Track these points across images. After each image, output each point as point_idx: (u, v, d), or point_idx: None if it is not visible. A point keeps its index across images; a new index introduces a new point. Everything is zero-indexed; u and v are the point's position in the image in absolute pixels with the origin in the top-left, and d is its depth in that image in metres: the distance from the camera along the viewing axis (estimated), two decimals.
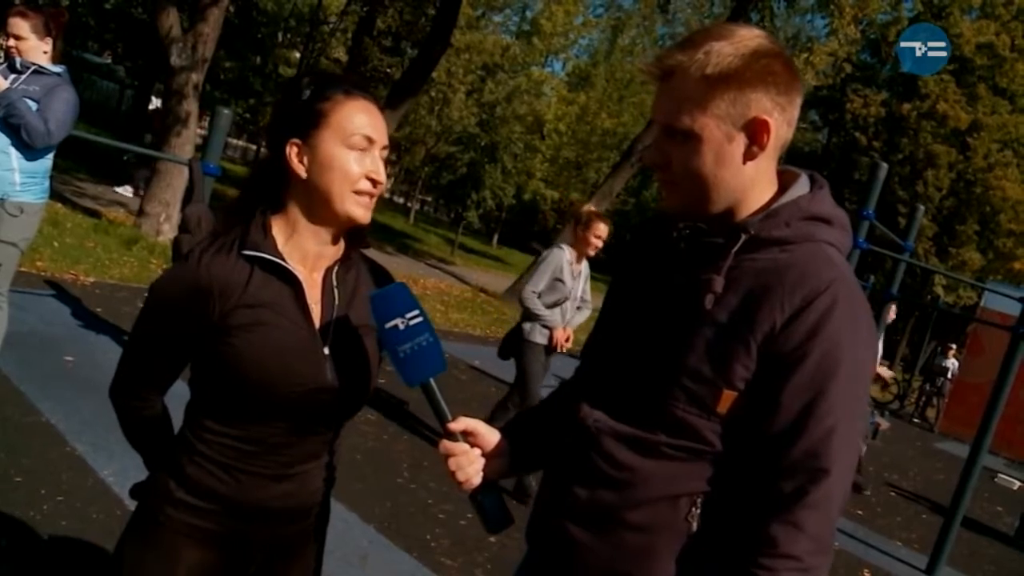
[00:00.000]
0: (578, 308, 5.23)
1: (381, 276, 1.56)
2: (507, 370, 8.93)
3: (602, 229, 4.95)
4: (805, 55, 18.55)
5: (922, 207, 8.04)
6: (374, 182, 1.38)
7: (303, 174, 1.36)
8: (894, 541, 6.47)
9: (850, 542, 6.01)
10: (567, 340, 5.04)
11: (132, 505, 1.48)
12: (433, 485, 4.61)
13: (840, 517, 1.19)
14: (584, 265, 5.17)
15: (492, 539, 4.01)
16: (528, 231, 38.93)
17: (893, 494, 8.07)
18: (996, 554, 7.09)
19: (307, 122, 1.35)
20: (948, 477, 6.95)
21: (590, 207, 5.42)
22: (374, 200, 1.41)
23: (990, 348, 6.51)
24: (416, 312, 1.34)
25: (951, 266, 29.30)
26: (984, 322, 7.81)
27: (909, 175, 30.68)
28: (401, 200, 39.38)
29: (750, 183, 1.23)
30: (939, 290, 30.01)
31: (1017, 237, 30.62)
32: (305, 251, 1.41)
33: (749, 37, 1.19)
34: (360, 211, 1.38)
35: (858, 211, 5.96)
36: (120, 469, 3.61)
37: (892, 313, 7.67)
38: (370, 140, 1.37)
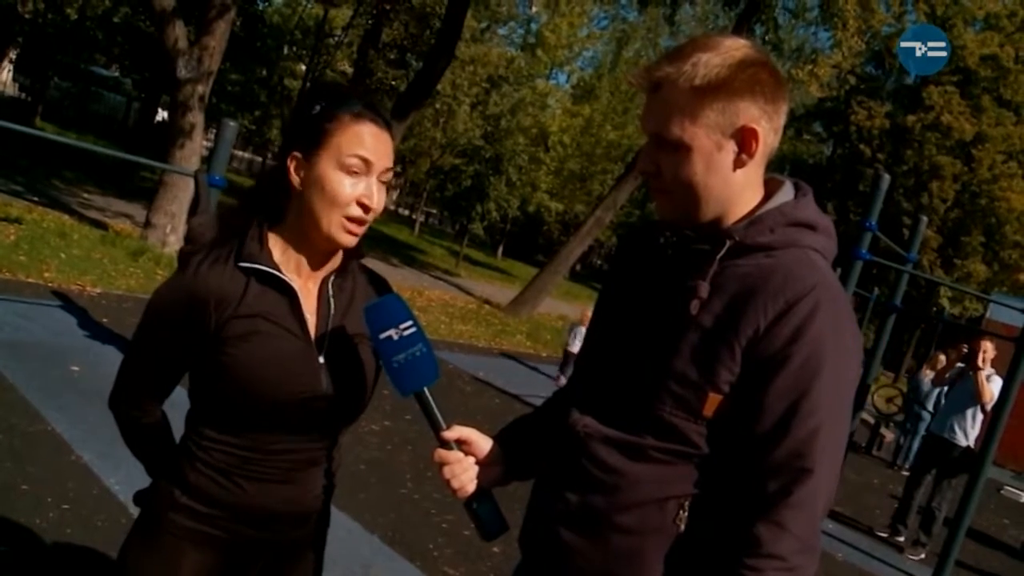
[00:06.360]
0: None
1: (379, 285, 1.57)
2: (511, 381, 8.98)
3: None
4: (809, 67, 18.56)
5: (925, 218, 8.04)
6: (366, 208, 1.37)
7: (299, 188, 1.38)
8: (899, 553, 6.46)
9: (855, 553, 6.00)
10: None
11: (137, 512, 1.50)
12: (437, 495, 4.61)
13: (825, 518, 1.21)
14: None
15: (495, 548, 4.01)
16: (533, 243, 38.91)
17: (898, 506, 8.04)
18: (1001, 567, 7.06)
19: (310, 138, 1.36)
20: (953, 489, 6.93)
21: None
22: (365, 226, 1.40)
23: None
24: (410, 323, 1.35)
25: (956, 278, 29.19)
26: (989, 334, 7.79)
27: (914, 187, 30.65)
28: (406, 212, 39.42)
29: (739, 190, 1.25)
30: (945, 302, 29.93)
31: (1023, 249, 30.55)
32: (301, 262, 1.43)
33: (735, 47, 1.21)
34: (345, 236, 1.38)
35: (861, 222, 5.98)
36: (126, 477, 3.63)
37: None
38: (367, 164, 1.35)
